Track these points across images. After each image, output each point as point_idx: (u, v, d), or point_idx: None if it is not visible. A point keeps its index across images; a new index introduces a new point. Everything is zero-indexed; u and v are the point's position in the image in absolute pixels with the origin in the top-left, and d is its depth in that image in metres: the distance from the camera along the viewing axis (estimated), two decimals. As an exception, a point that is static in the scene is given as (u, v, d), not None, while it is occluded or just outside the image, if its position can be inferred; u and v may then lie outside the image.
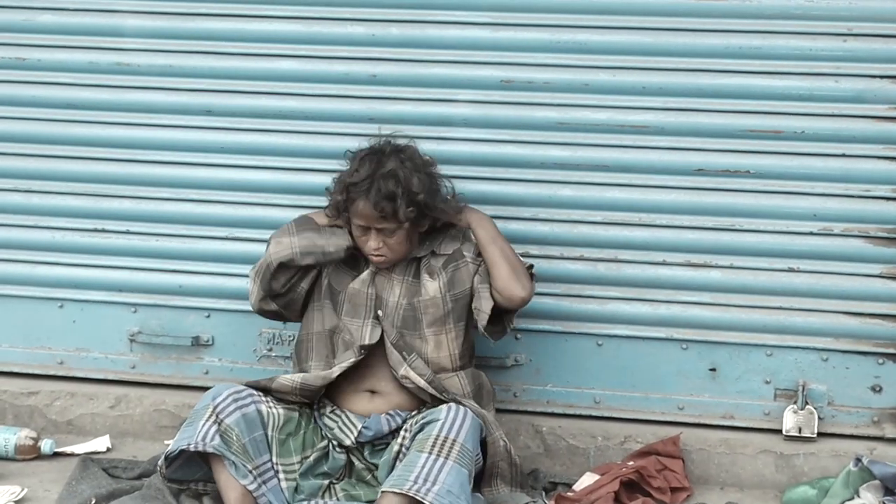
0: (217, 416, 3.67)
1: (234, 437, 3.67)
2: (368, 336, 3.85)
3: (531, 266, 3.90)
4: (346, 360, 3.84)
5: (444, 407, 3.68)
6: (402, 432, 3.74)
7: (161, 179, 4.29)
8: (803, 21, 3.90)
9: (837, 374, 4.02)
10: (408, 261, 3.91)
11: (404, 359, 3.83)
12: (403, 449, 3.69)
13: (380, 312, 3.87)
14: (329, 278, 3.94)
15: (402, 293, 3.88)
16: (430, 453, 3.56)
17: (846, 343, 4.02)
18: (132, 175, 4.30)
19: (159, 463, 3.71)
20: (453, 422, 3.62)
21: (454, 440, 3.58)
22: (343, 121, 4.13)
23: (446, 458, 3.56)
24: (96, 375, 4.40)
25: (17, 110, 4.33)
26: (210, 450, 3.61)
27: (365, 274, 3.89)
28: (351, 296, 3.88)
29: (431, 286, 3.87)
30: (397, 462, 3.68)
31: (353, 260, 3.93)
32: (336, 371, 3.83)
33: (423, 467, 3.53)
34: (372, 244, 3.83)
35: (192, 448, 3.61)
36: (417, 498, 3.47)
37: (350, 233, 3.90)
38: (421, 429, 3.65)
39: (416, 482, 3.49)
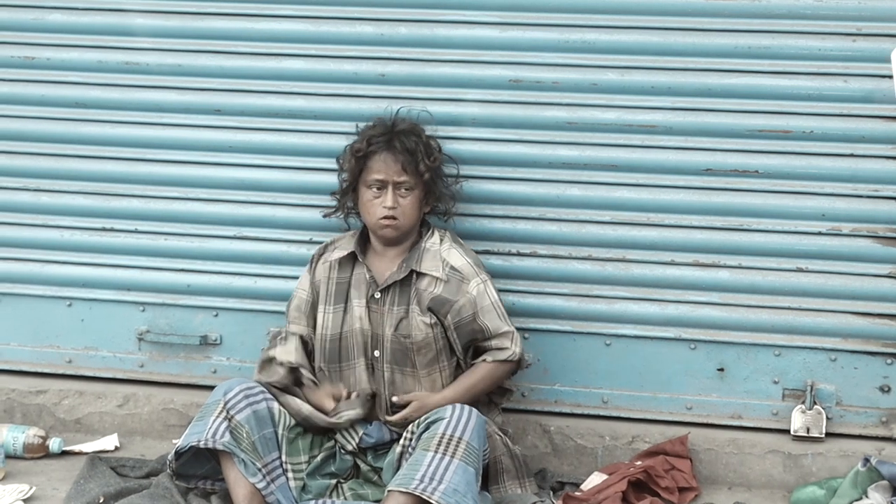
0: (228, 413, 3.67)
1: (244, 434, 3.67)
2: (367, 382, 3.87)
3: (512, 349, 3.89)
4: (352, 411, 3.84)
5: (448, 406, 3.68)
6: (405, 434, 3.74)
7: (170, 178, 4.29)
8: (812, 21, 3.90)
9: (846, 375, 4.02)
10: (396, 289, 3.89)
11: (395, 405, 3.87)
12: (410, 449, 3.68)
13: (376, 353, 3.88)
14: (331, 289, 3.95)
15: (393, 325, 3.86)
16: (435, 452, 3.56)
17: (854, 343, 4.02)
18: (141, 174, 4.30)
19: (169, 458, 3.71)
20: (458, 420, 3.62)
21: (460, 438, 3.58)
22: (352, 120, 4.12)
23: (452, 457, 3.55)
24: (105, 374, 4.41)
25: (26, 109, 4.34)
26: (220, 447, 3.61)
27: (360, 310, 3.88)
28: (347, 335, 3.89)
29: (422, 325, 3.84)
30: (403, 461, 3.68)
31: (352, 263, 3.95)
32: (344, 423, 3.83)
33: (428, 466, 3.53)
34: (388, 201, 3.82)
35: (202, 444, 3.62)
36: (424, 497, 3.47)
37: (354, 211, 3.93)
38: (426, 428, 3.65)
39: (422, 481, 3.49)
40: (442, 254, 3.86)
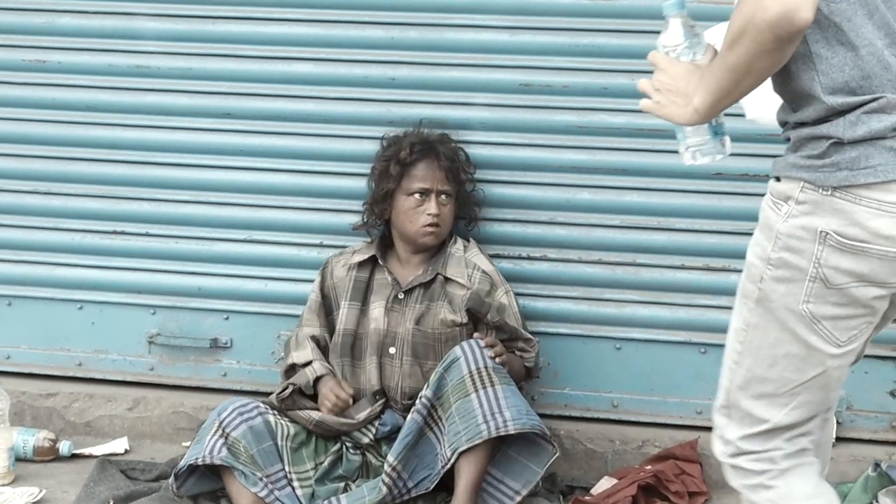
0: (223, 430, 3.68)
1: (242, 449, 3.67)
2: (377, 379, 3.89)
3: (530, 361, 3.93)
4: (364, 412, 3.86)
5: (455, 348, 3.68)
6: (419, 401, 3.69)
7: (180, 182, 4.29)
8: (823, 25, 3.89)
9: (856, 379, 4.00)
10: (420, 291, 3.91)
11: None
12: (433, 411, 3.66)
13: (391, 350, 3.88)
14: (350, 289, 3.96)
15: (414, 319, 3.88)
16: (476, 391, 3.55)
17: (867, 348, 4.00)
18: (151, 177, 4.31)
19: (170, 482, 3.73)
20: (472, 352, 3.61)
21: (485, 366, 3.59)
22: (361, 124, 4.14)
23: (493, 385, 3.56)
24: (115, 377, 4.41)
25: (36, 112, 4.34)
26: (218, 461, 3.62)
27: (378, 311, 3.89)
28: (362, 335, 3.91)
29: (448, 321, 3.85)
30: (431, 427, 3.67)
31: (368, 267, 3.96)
32: (356, 424, 3.84)
33: (481, 406, 3.53)
34: (433, 208, 3.84)
35: (200, 462, 3.63)
36: (501, 434, 3.45)
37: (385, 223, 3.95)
38: (440, 378, 3.64)
39: (487, 423, 3.49)
40: (471, 259, 3.90)
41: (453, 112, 4.09)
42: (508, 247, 4.12)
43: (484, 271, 3.90)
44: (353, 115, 4.15)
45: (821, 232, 2.48)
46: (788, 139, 2.56)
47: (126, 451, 4.22)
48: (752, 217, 3.95)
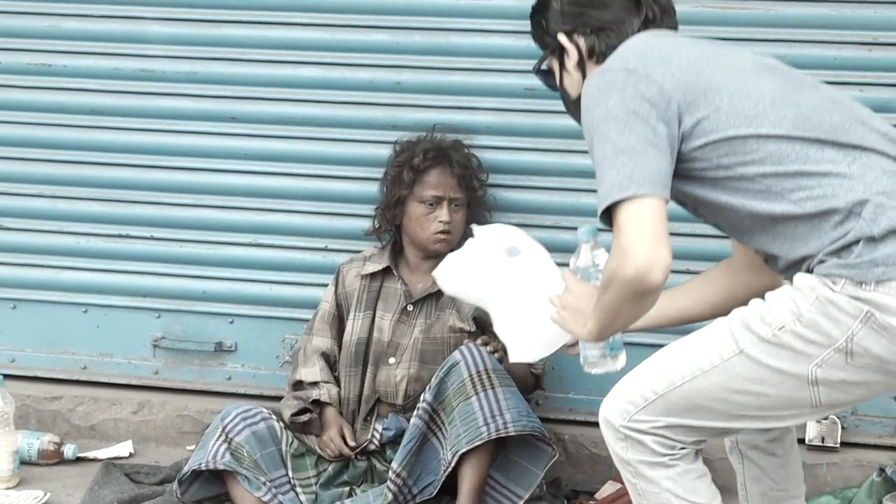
0: (227, 436, 3.68)
1: (245, 454, 3.67)
2: (372, 386, 3.90)
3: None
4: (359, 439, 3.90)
5: (455, 352, 3.68)
6: (419, 405, 3.69)
7: (185, 186, 4.30)
8: (828, 30, 3.89)
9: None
10: (429, 301, 3.92)
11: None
12: (434, 414, 3.65)
13: (391, 360, 3.89)
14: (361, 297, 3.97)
15: (423, 328, 3.88)
16: (476, 393, 3.55)
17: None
18: (156, 181, 4.31)
19: (174, 487, 3.72)
20: (472, 356, 3.61)
21: (485, 369, 3.58)
22: (366, 128, 4.14)
23: (493, 388, 3.55)
24: (119, 381, 4.42)
25: (42, 116, 4.35)
26: (221, 466, 3.62)
27: (385, 322, 3.90)
28: (369, 342, 3.92)
29: (456, 328, 3.86)
30: (435, 430, 3.67)
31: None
32: (355, 449, 3.86)
33: (481, 408, 3.52)
34: (444, 216, 3.84)
35: (203, 467, 3.63)
36: (501, 436, 3.46)
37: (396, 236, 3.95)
38: (441, 382, 3.64)
39: (487, 424, 3.49)
40: None
41: (458, 116, 4.09)
42: (513, 251, 4.12)
43: None
44: (359, 119, 4.16)
45: (867, 311, 2.53)
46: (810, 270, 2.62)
47: (130, 455, 4.22)
48: (757, 222, 3.99)
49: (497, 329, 2.99)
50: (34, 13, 4.32)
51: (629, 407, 2.70)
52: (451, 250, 3.85)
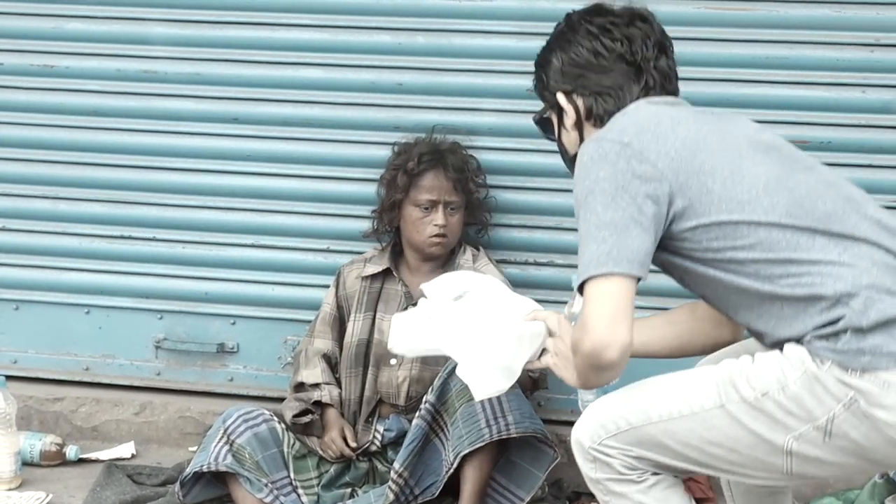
0: (228, 437, 3.68)
1: (247, 456, 3.68)
2: (373, 387, 3.90)
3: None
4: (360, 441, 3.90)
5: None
6: (422, 407, 3.69)
7: (187, 187, 4.30)
8: (830, 31, 3.89)
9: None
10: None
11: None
12: (437, 415, 3.66)
13: (392, 361, 3.89)
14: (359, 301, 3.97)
15: None
16: None
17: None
18: (158, 182, 4.31)
19: (175, 489, 3.73)
20: None
21: None
22: (369, 129, 4.14)
23: None
24: (122, 382, 4.42)
25: (45, 117, 4.35)
26: (223, 468, 3.62)
27: (386, 324, 3.87)
28: (370, 343, 3.92)
29: None
30: (437, 431, 3.67)
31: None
32: (357, 450, 3.87)
33: (484, 410, 3.52)
34: (440, 219, 3.84)
35: (205, 468, 3.63)
36: (503, 438, 3.46)
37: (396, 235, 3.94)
38: (444, 383, 3.64)
39: (489, 426, 3.49)
40: (480, 269, 3.89)
41: (461, 118, 4.09)
42: (515, 252, 4.13)
43: None
44: (361, 121, 4.16)
45: (852, 397, 2.55)
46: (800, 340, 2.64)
47: (133, 456, 4.22)
48: (759, 223, 3.99)
49: (458, 372, 3.00)
50: (36, 14, 4.32)
51: (600, 431, 2.72)
52: (450, 252, 3.87)
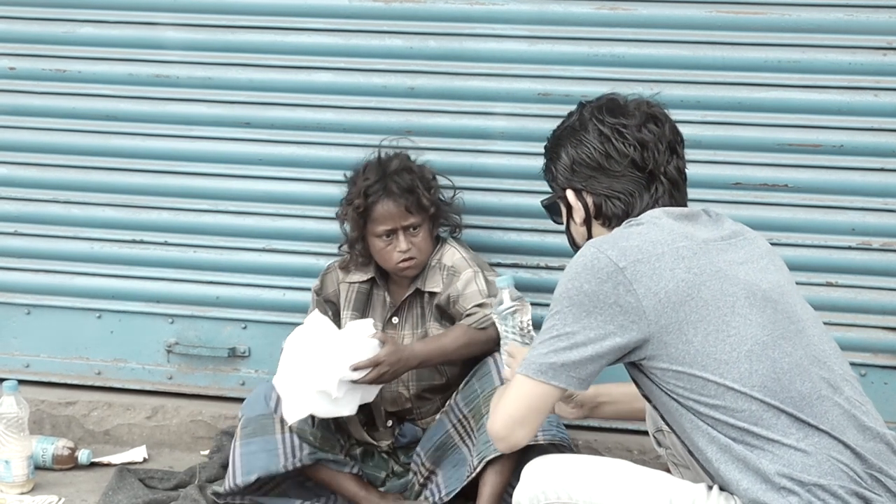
0: (283, 423, 3.66)
1: (309, 433, 3.67)
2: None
3: None
4: (385, 441, 3.92)
5: (487, 358, 3.68)
6: (449, 407, 3.71)
7: (199, 191, 4.31)
8: (843, 35, 3.88)
9: (876, 390, 3.99)
10: (410, 310, 3.90)
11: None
12: (463, 420, 3.66)
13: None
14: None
15: (412, 341, 3.86)
16: None
17: (884, 358, 3.99)
18: (170, 186, 4.32)
19: (228, 486, 3.68)
20: (503, 366, 3.61)
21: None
22: (380, 133, 4.13)
23: None
24: (133, 386, 4.42)
25: (57, 122, 4.36)
26: (308, 462, 3.63)
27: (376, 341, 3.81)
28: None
29: (440, 330, 3.85)
30: (463, 437, 3.67)
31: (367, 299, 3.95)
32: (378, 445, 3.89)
33: None
34: (402, 245, 3.80)
35: (288, 468, 3.62)
36: (530, 443, 3.48)
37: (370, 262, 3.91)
38: (471, 386, 3.65)
39: None
40: (441, 260, 3.86)
41: (472, 121, 4.10)
42: (527, 256, 4.12)
43: (450, 267, 3.86)
44: (373, 125, 4.16)
45: None
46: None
47: (144, 460, 4.23)
48: (771, 226, 3.98)
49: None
50: (49, 19, 4.32)
51: (541, 497, 2.73)
52: (422, 268, 3.83)
